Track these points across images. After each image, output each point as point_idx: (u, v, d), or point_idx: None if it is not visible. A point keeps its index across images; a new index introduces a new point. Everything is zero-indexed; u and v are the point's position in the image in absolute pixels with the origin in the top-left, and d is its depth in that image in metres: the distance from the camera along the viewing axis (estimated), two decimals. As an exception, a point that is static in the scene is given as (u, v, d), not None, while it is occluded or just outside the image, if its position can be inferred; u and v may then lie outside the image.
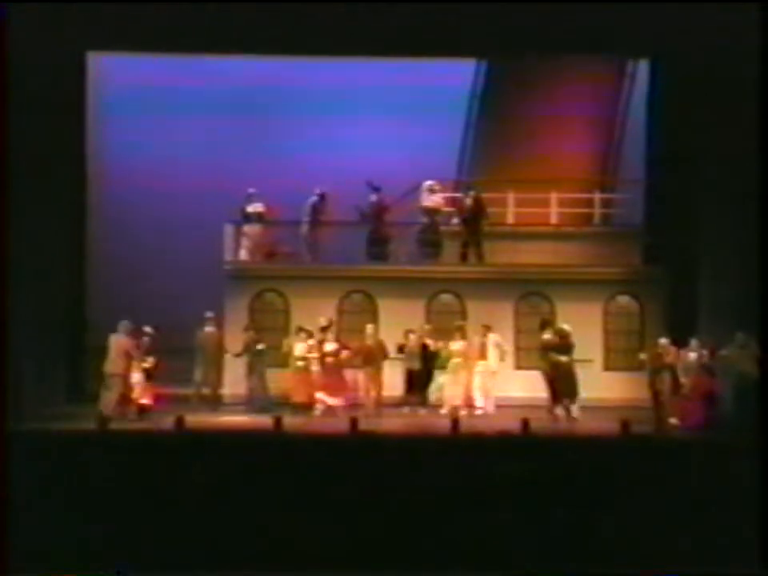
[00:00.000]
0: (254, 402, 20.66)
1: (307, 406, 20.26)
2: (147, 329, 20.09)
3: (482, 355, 20.95)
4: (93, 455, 16.26)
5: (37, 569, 13.74)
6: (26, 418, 17.94)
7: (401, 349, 20.94)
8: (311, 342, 20.71)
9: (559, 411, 20.03)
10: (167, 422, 17.68)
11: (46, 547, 14.38)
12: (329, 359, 20.53)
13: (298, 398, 20.42)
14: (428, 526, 15.41)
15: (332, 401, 20.40)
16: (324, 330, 20.86)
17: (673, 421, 19.07)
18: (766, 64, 17.89)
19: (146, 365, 19.74)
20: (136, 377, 19.61)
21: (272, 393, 20.88)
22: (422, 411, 20.61)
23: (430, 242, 22.93)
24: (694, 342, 19.51)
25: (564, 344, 20.23)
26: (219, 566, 14.67)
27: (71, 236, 21.77)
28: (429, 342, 20.95)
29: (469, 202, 22.84)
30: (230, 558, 14.91)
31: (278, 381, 20.94)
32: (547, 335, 20.49)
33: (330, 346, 20.61)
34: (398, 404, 20.94)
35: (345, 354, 20.71)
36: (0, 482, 14.38)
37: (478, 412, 20.75)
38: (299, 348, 20.64)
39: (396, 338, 21.08)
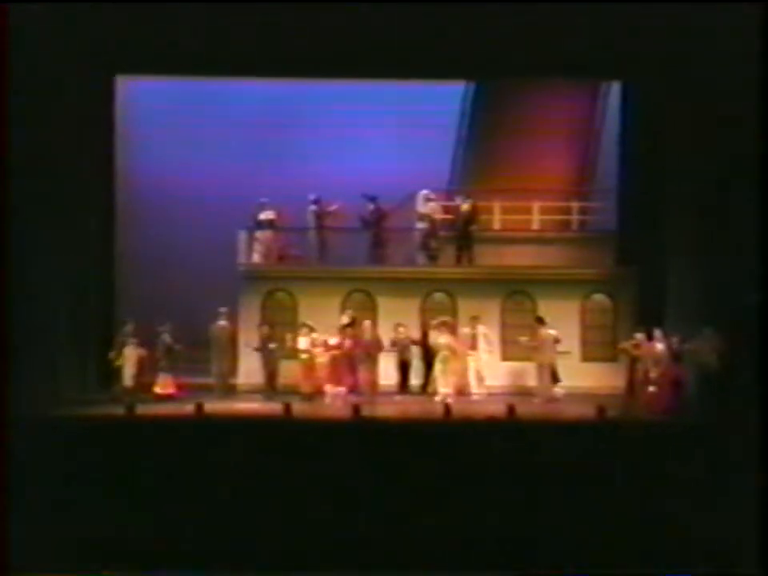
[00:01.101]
0: (265, 391, 21.56)
1: (312, 395, 21.11)
2: (161, 328, 21.48)
3: (473, 345, 21.91)
4: (118, 438, 17.24)
5: (37, 568, 14.21)
6: (62, 404, 19.34)
7: (393, 343, 21.80)
8: (314, 336, 21.44)
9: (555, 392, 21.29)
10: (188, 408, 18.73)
11: (48, 546, 14.93)
12: (333, 352, 21.39)
13: (304, 388, 21.27)
14: (420, 503, 16.37)
15: (335, 389, 21.20)
16: (346, 327, 21.82)
17: (651, 389, 19.86)
18: (733, 80, 18.91)
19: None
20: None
21: (280, 384, 21.74)
22: (398, 398, 21.41)
23: (430, 247, 23.86)
24: (657, 334, 20.30)
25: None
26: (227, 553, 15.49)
27: (102, 242, 22.91)
28: (432, 335, 21.80)
29: (466, 208, 23.78)
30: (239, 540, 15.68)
31: (287, 372, 21.91)
32: (553, 330, 21.55)
33: (332, 341, 21.41)
34: (392, 392, 21.76)
35: (346, 346, 21.45)
36: (1, 476, 14.90)
37: (475, 398, 21.50)
38: (302, 342, 21.53)
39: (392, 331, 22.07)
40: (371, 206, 23.81)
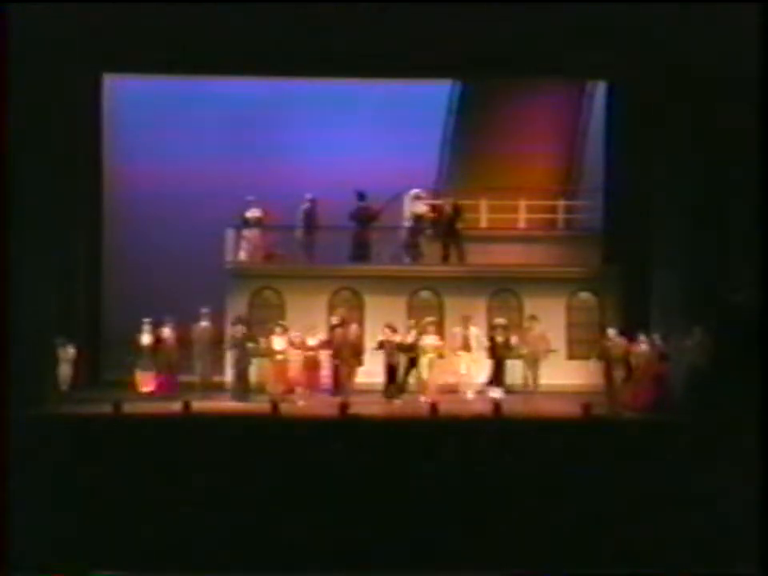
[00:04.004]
0: (235, 391, 21.28)
1: (282, 396, 20.55)
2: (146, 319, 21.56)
3: (464, 346, 21.78)
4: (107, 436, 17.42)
5: (37, 568, 14.21)
6: (57, 402, 19.55)
7: (381, 345, 21.41)
8: (294, 335, 21.22)
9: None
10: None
11: (48, 545, 14.95)
12: (309, 353, 21.16)
13: (276, 388, 20.95)
14: (408, 498, 16.44)
15: (305, 391, 20.94)
16: (334, 327, 21.70)
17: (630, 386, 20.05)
18: (725, 80, 19.07)
19: None
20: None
21: (252, 384, 21.55)
22: (397, 401, 21.10)
23: (414, 245, 23.91)
24: (641, 336, 20.45)
25: None
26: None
27: (89, 241, 23.15)
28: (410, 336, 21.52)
29: (448, 208, 23.88)
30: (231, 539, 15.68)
31: (259, 370, 21.95)
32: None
33: (312, 341, 21.20)
34: (379, 392, 21.50)
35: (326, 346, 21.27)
36: (1, 475, 14.93)
37: (469, 397, 21.50)
38: (277, 342, 21.33)
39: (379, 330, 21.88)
40: (361, 204, 23.84)
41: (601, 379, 21.48)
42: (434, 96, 25.47)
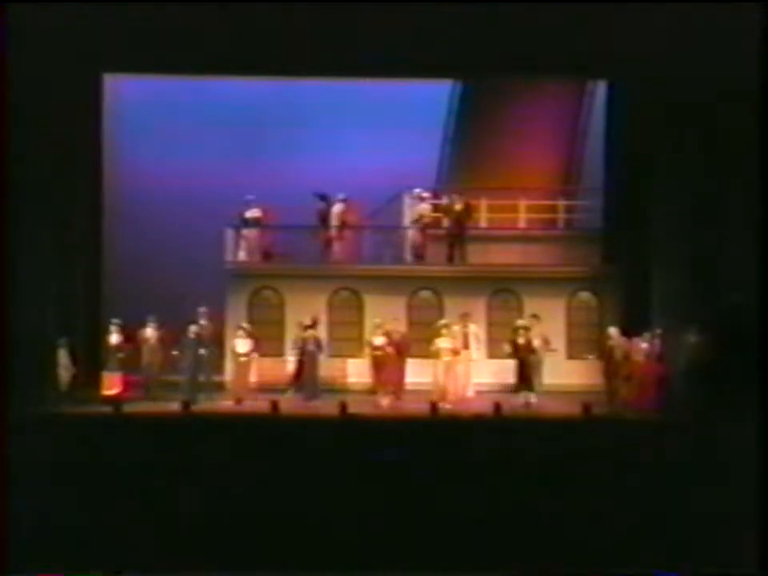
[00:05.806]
0: (183, 388, 21.02)
1: (241, 399, 20.77)
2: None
3: (464, 345, 21.66)
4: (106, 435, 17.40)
5: (36, 568, 13.96)
6: (57, 402, 19.71)
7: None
8: (251, 340, 21.41)
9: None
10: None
11: (48, 544, 14.67)
12: (377, 352, 21.36)
13: (237, 391, 21.08)
14: (407, 498, 16.16)
15: (384, 392, 20.98)
16: (307, 328, 21.65)
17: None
18: (725, 80, 19.11)
19: None
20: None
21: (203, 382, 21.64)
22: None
23: (418, 245, 24.10)
24: (646, 335, 20.61)
25: None
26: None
27: (89, 241, 23.08)
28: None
29: (459, 207, 23.99)
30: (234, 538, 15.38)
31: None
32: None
33: (378, 340, 21.40)
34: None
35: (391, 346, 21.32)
36: (1, 475, 14.92)
37: (470, 394, 21.51)
38: (240, 344, 21.43)
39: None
40: (323, 205, 24.01)
41: (601, 379, 21.58)
42: (433, 96, 25.59)
